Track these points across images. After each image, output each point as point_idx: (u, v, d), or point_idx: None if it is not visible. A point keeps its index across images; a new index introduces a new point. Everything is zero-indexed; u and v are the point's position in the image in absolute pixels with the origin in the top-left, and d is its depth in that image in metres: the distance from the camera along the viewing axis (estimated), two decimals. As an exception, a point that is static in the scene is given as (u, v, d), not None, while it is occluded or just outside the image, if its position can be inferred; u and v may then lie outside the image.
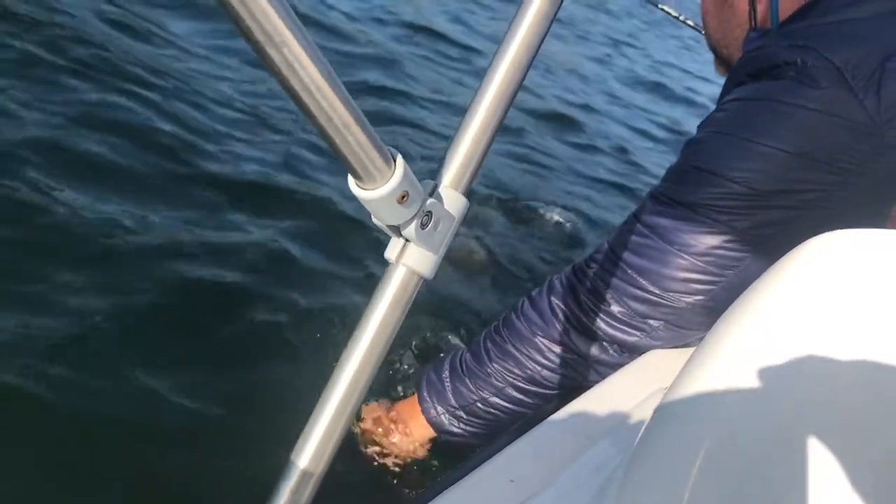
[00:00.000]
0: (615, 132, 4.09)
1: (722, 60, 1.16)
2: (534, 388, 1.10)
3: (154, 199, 1.70)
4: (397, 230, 0.53)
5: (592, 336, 1.03)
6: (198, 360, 1.30)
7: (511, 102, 0.57)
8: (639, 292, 0.97)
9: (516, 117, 3.71)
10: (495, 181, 2.75)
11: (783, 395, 0.43)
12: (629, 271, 0.98)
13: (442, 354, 1.38)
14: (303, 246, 1.74)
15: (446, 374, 1.16)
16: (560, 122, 3.87)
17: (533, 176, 3.05)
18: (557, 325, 1.06)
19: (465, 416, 1.13)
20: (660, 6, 1.65)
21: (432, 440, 1.18)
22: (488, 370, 1.11)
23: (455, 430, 1.14)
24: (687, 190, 0.93)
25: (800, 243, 0.71)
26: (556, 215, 2.64)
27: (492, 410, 1.12)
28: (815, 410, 0.42)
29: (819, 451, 0.38)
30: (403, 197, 0.50)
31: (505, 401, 1.11)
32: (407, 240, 0.54)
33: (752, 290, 0.50)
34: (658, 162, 3.77)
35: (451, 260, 2.06)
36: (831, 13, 0.92)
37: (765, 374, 0.43)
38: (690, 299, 0.94)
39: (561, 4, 0.56)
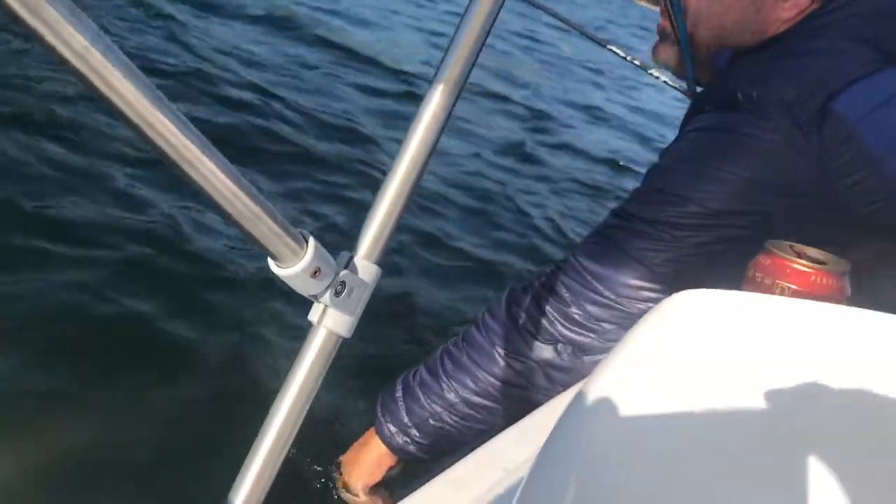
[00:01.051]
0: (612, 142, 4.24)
1: (699, 62, 1.19)
2: (485, 402, 1.16)
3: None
4: (315, 297, 0.60)
5: (549, 339, 1.11)
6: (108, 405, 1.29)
7: (421, 176, 0.64)
8: (596, 296, 1.06)
9: (507, 128, 3.83)
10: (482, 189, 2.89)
11: (637, 451, 0.50)
12: (588, 277, 1.07)
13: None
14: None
15: (399, 392, 1.22)
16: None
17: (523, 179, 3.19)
18: (515, 331, 1.13)
19: (417, 435, 1.19)
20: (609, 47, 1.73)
21: (391, 461, 1.23)
22: (442, 385, 1.17)
23: (409, 449, 1.20)
24: (648, 208, 1.03)
25: (747, 260, 0.79)
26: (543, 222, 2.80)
27: (444, 427, 1.18)
28: (665, 466, 0.49)
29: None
30: (316, 272, 0.57)
31: (456, 416, 1.17)
32: (325, 305, 0.61)
33: (616, 349, 0.58)
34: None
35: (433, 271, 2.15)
36: (791, 48, 1.01)
37: (626, 426, 0.51)
38: (642, 305, 1.03)
39: (460, 92, 0.63)
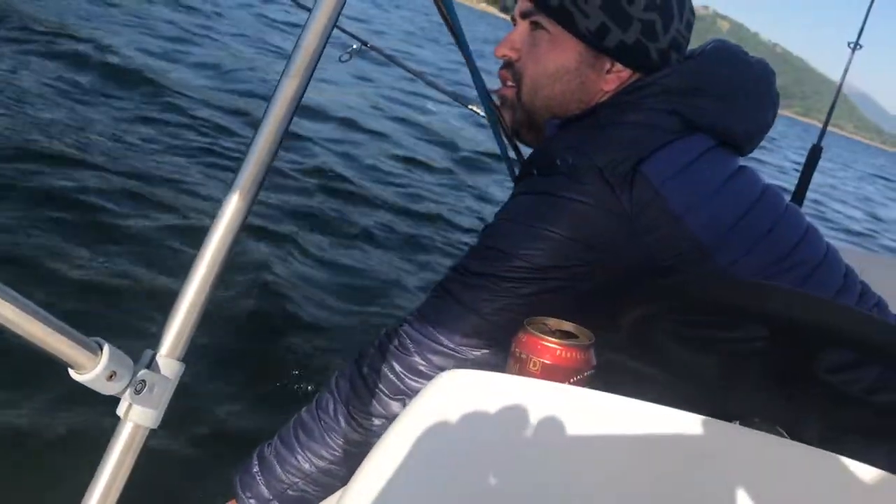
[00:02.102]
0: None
1: (523, 123, 1.26)
2: (341, 469, 1.18)
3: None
4: (118, 395, 0.66)
5: (398, 393, 1.14)
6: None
7: (222, 267, 0.72)
8: (437, 346, 1.11)
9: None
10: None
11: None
12: (429, 327, 1.12)
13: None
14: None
15: (256, 468, 1.23)
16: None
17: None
18: (365, 389, 1.16)
19: None
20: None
21: None
22: (297, 456, 1.19)
23: None
24: (480, 263, 1.10)
25: (570, 307, 0.90)
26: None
27: (306, 494, 1.19)
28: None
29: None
30: (112, 375, 0.64)
31: (314, 485, 1.19)
32: (129, 402, 0.67)
33: (391, 427, 0.67)
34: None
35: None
36: (608, 119, 1.10)
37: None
38: (478, 353, 1.10)
39: (251, 206, 0.72)
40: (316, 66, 0.72)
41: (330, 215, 3.58)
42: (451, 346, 1.11)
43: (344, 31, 2.18)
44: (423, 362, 1.13)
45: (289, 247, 2.99)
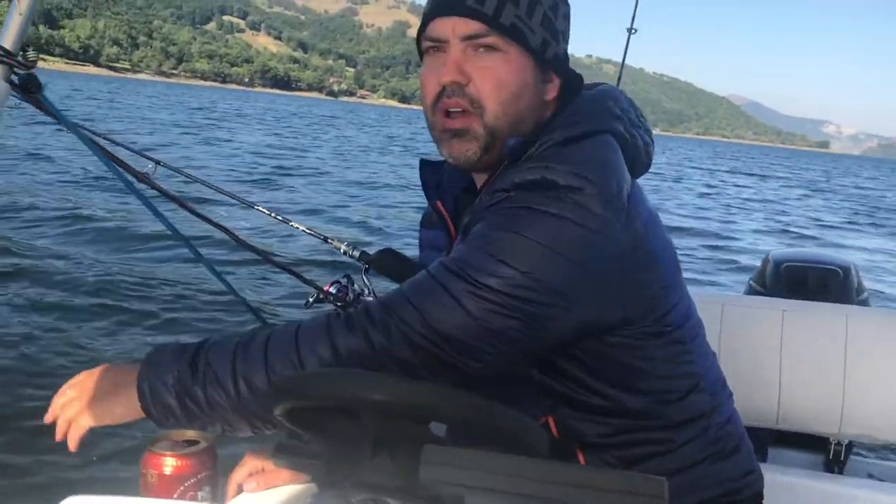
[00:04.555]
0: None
1: (487, 148, 1.13)
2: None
3: None
4: None
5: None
6: None
7: None
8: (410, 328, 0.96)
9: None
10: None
11: None
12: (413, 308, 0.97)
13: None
14: None
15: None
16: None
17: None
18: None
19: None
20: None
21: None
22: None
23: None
24: (498, 281, 0.96)
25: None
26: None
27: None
28: None
29: None
30: None
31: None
32: None
33: None
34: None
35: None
36: (570, 136, 1.06)
37: None
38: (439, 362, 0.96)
39: None
40: None
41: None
42: (428, 334, 0.94)
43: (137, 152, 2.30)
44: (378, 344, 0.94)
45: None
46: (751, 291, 2.43)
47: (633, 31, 3.41)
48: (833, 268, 2.34)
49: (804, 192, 30.11)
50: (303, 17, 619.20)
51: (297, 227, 2.17)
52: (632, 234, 1.02)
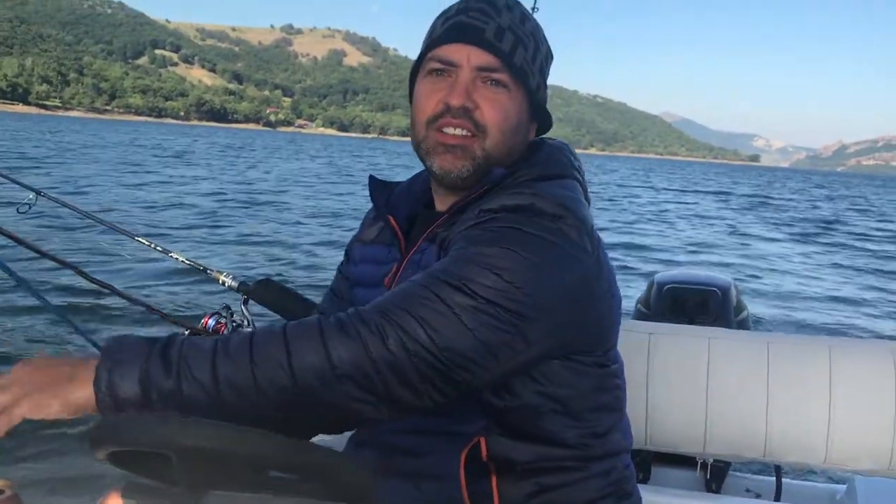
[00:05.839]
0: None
1: (477, 170, 1.17)
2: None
3: None
4: None
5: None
6: None
7: None
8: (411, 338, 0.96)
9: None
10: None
11: None
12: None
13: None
14: None
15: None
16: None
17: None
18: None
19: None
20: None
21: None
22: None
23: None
24: (496, 294, 0.97)
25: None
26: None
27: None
28: None
29: None
30: None
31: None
32: None
33: None
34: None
35: None
36: (549, 172, 1.15)
37: None
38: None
39: None
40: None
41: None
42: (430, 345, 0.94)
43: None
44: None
45: None
46: (637, 314, 2.50)
47: (535, 9, 3.47)
48: (712, 289, 2.43)
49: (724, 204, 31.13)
50: (237, 49, 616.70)
51: (177, 258, 2.13)
52: (598, 265, 1.09)
